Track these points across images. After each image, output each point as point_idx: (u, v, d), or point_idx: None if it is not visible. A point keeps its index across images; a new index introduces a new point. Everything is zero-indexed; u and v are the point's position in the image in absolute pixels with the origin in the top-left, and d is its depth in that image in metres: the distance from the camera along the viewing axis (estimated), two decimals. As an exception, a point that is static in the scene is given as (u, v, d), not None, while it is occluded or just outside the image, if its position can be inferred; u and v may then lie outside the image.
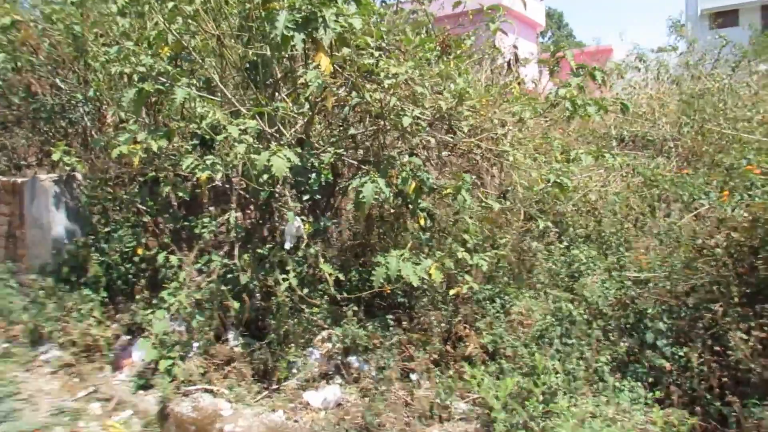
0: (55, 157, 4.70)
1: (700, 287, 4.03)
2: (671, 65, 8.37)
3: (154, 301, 4.63)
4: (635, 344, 3.84)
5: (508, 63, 6.79)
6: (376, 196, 3.73)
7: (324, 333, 4.27)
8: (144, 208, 5.00)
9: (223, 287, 4.27)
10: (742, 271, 3.93)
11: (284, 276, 3.90)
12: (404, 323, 4.39)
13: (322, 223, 4.17)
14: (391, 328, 4.22)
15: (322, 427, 3.57)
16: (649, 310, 3.94)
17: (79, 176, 5.05)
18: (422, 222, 4.30)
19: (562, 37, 38.21)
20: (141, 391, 4.10)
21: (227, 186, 4.79)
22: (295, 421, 3.68)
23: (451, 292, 4.10)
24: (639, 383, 3.44)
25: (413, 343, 4.26)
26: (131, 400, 4.06)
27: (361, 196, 3.72)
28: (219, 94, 4.35)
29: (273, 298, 4.34)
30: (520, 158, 4.55)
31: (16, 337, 4.88)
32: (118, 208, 5.02)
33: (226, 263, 4.28)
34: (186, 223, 4.86)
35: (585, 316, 3.84)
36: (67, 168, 4.82)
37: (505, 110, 4.68)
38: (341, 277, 4.03)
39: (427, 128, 4.02)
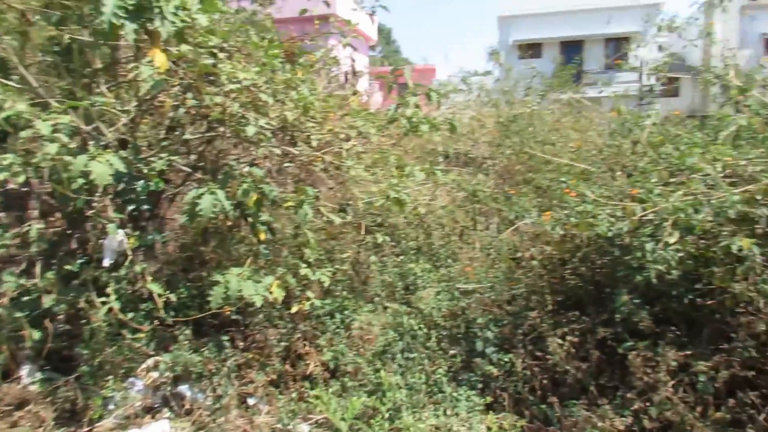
0: None
1: (520, 296, 4.43)
2: (491, 89, 9.19)
3: None
4: (467, 352, 4.07)
5: (346, 75, 6.86)
6: (215, 209, 3.43)
7: (149, 361, 3.81)
8: None
9: (17, 313, 3.59)
10: (554, 281, 4.39)
11: (103, 298, 3.38)
12: (240, 343, 4.12)
13: (149, 237, 3.73)
14: (226, 351, 3.93)
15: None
16: (478, 320, 4.20)
17: None
18: (262, 236, 4.08)
19: (391, 52, 40.15)
20: None
21: (24, 190, 4.06)
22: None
23: (293, 309, 3.95)
24: (473, 391, 3.64)
25: (251, 365, 4.01)
26: None
27: (197, 208, 3.40)
28: (20, 80, 3.66)
29: (84, 323, 3.77)
30: (360, 172, 4.57)
31: None
32: None
33: (22, 284, 3.60)
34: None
35: (423, 329, 3.97)
36: None
37: (348, 124, 4.67)
38: (172, 297, 3.63)
39: (272, 138, 3.83)
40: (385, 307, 4.48)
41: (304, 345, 4.27)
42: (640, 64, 12.53)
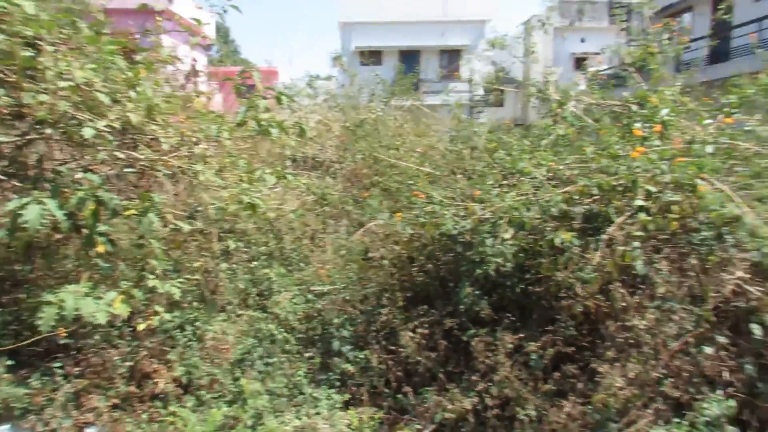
0: None
1: (372, 295, 4.61)
2: (336, 94, 9.37)
3: None
4: (323, 353, 4.13)
5: (187, 75, 6.54)
6: (44, 221, 3.07)
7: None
8: None
9: None
10: (404, 279, 4.65)
11: None
12: (74, 369, 3.73)
13: None
14: (57, 379, 3.53)
15: None
16: (334, 320, 4.29)
17: None
18: (101, 248, 3.74)
19: (230, 52, 38.80)
20: None
21: None
22: None
23: (140, 327, 3.67)
24: (332, 389, 3.72)
25: (89, 391, 3.66)
26: None
27: (21, 220, 3.01)
28: None
29: None
30: (209, 177, 4.40)
31: None
32: None
33: None
34: None
35: (282, 333, 3.95)
36: None
37: (195, 126, 4.47)
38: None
39: (114, 142, 3.53)
40: (239, 315, 4.37)
41: (151, 363, 4.00)
42: (471, 76, 13.67)
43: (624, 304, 2.96)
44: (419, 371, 3.84)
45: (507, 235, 3.28)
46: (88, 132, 3.20)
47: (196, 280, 4.23)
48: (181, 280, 4.00)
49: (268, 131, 4.69)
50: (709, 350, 2.89)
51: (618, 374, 2.87)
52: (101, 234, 3.72)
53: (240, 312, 4.34)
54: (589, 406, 2.94)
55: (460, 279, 3.88)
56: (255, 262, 5.06)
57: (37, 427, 3.26)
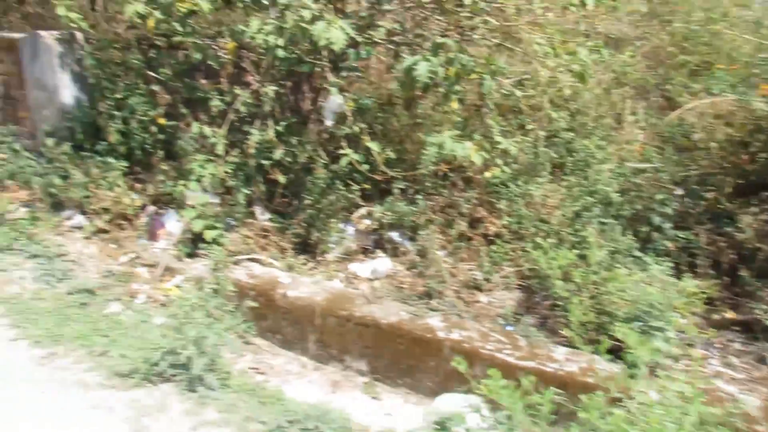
0: (60, 12, 4.19)
1: (695, 177, 4.56)
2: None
3: (174, 173, 4.57)
4: (643, 228, 4.35)
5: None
6: (431, 75, 3.76)
7: (362, 210, 4.44)
8: (154, 75, 4.69)
9: (262, 161, 4.27)
10: (734, 164, 4.46)
11: (343, 151, 3.91)
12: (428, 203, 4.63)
13: (363, 101, 4.17)
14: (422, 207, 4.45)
15: (386, 293, 3.87)
16: (657, 196, 4.40)
17: (79, 36, 4.59)
18: (454, 104, 4.40)
19: None
20: (187, 259, 4.16)
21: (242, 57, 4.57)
22: (355, 288, 3.96)
23: (487, 174, 4.34)
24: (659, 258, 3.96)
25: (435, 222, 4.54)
26: (178, 267, 4.13)
27: (414, 74, 3.73)
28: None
29: (307, 174, 4.41)
30: (542, 47, 4.65)
31: (33, 202, 4.67)
32: (123, 73, 4.66)
33: (262, 136, 4.21)
34: (202, 94, 4.65)
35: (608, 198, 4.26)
36: (73, 26, 4.34)
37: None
38: (391, 155, 4.13)
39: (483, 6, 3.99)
40: (562, 179, 4.77)
41: (482, 210, 4.74)
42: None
43: None
44: (758, 258, 3.84)
45: None
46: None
47: (527, 142, 4.69)
48: (516, 139, 4.51)
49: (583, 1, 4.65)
50: None
51: None
52: (456, 92, 4.33)
53: (564, 177, 4.71)
54: None
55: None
56: (571, 134, 5.29)
57: (417, 239, 4.24)
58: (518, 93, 4.51)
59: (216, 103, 4.47)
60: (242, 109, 4.22)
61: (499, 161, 4.30)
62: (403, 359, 3.63)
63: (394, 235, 4.33)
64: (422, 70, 3.64)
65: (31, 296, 3.79)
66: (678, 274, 3.93)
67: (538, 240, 3.87)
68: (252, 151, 4.16)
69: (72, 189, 4.32)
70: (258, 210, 4.63)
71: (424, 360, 3.57)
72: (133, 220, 4.46)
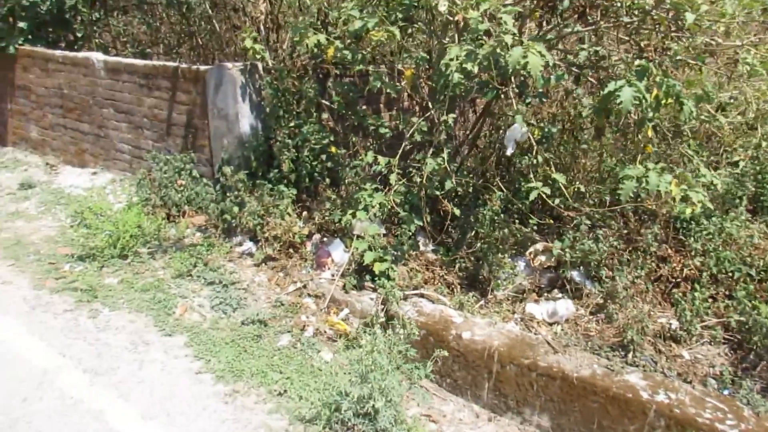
0: (248, 44, 4.39)
1: None
2: None
3: (341, 202, 4.54)
4: None
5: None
6: (636, 102, 3.37)
7: (537, 245, 4.12)
8: (327, 103, 4.75)
9: (435, 191, 4.11)
10: None
11: (531, 184, 3.63)
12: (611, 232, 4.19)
13: (548, 129, 3.87)
14: (607, 244, 4.03)
15: (572, 341, 3.51)
16: None
17: (259, 66, 4.77)
18: (650, 132, 3.95)
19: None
20: (354, 291, 4.08)
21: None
22: (535, 333, 3.63)
23: (687, 211, 3.83)
24: None
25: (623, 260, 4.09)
26: (344, 299, 4.06)
27: (618, 100, 3.37)
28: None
29: (478, 205, 4.18)
30: (757, 65, 4.07)
31: (206, 227, 4.90)
32: (297, 102, 4.76)
33: (436, 166, 4.04)
34: (371, 122, 4.62)
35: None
36: (257, 57, 4.53)
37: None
38: (580, 187, 3.79)
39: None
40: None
41: (671, 247, 4.20)
42: None
43: None
44: None
45: None
46: (689, 17, 3.28)
47: (733, 174, 4.12)
48: (723, 172, 3.96)
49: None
50: None
51: None
52: (650, 119, 3.89)
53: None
54: None
55: None
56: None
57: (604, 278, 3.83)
58: (722, 119, 3.98)
59: (384, 131, 4.41)
60: (417, 137, 4.11)
61: (701, 196, 3.78)
62: (595, 419, 3.22)
63: (575, 275, 3.94)
64: (626, 96, 3.27)
65: (209, 325, 3.89)
66: None
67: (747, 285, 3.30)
68: (424, 181, 4.01)
69: (246, 216, 4.43)
70: (422, 241, 4.47)
71: (621, 422, 3.14)
72: (300, 248, 4.49)
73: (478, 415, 3.58)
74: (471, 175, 4.30)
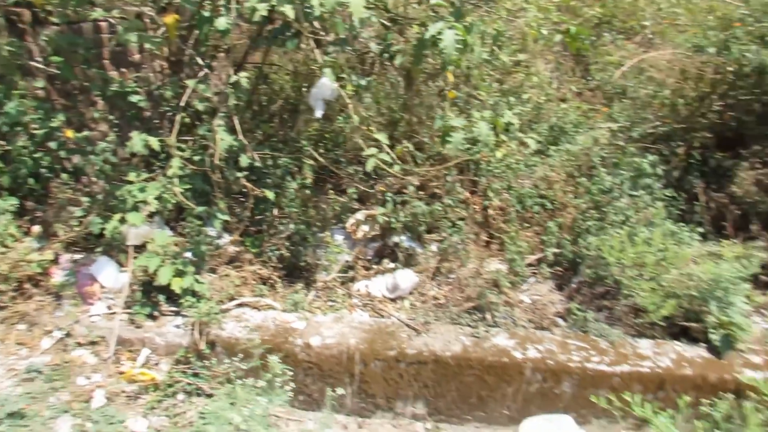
0: None
1: (664, 135, 4.53)
2: None
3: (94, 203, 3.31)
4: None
5: None
6: (460, 47, 3.06)
7: (358, 215, 3.62)
8: (40, 65, 3.25)
9: (236, 173, 3.23)
10: (699, 119, 4.49)
11: (367, 152, 3.02)
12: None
13: (363, 81, 3.30)
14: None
15: (428, 315, 3.16)
16: (648, 157, 4.22)
17: None
18: (451, 78, 3.76)
19: None
20: (149, 322, 3.00)
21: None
22: (389, 317, 3.18)
23: (498, 154, 3.78)
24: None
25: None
26: (138, 337, 2.96)
27: (442, 45, 3.01)
28: None
29: (289, 178, 3.46)
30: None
31: None
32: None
33: (232, 143, 3.13)
34: (117, 90, 3.34)
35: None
36: None
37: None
38: (410, 147, 3.36)
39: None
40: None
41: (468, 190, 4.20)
42: None
43: None
44: (759, 212, 3.87)
45: None
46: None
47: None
48: (516, 111, 4.01)
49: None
50: None
51: None
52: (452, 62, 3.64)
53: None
54: None
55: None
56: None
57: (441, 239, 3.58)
58: (504, 58, 3.99)
59: (138, 99, 3.26)
60: (199, 107, 3.09)
61: (505, 138, 3.77)
62: (473, 391, 3.02)
63: (405, 240, 3.59)
64: (449, 39, 2.91)
65: None
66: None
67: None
68: (216, 160, 3.06)
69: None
70: (218, 234, 3.55)
71: (499, 388, 3.01)
72: (43, 280, 3.09)
73: (346, 426, 3.05)
74: (277, 144, 3.52)
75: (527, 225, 3.92)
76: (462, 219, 3.62)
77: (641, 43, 5.93)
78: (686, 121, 4.54)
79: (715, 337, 3.04)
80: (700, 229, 3.68)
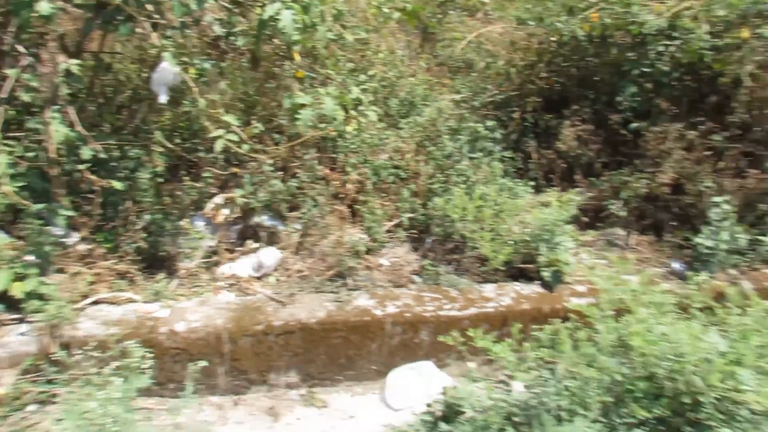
0: None
1: (504, 101, 5.00)
2: None
3: None
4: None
5: None
6: (298, 26, 3.16)
7: (217, 199, 3.63)
8: None
9: (81, 166, 3.09)
10: (533, 85, 5.00)
11: (214, 133, 3.01)
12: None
13: (208, 64, 3.28)
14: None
15: (293, 287, 3.28)
16: (487, 123, 4.66)
17: None
18: (297, 57, 3.85)
19: None
20: (-8, 332, 2.82)
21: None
22: (254, 294, 3.26)
23: (349, 128, 3.95)
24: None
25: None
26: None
27: (281, 26, 3.10)
28: None
29: (141, 169, 3.38)
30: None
31: None
32: None
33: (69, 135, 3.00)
34: None
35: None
36: None
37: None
38: (259, 126, 3.40)
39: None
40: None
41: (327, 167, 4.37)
42: None
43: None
44: (581, 163, 4.43)
45: (702, 31, 3.66)
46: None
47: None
48: (363, 87, 4.20)
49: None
50: None
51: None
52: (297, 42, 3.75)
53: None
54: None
55: (620, 79, 4.31)
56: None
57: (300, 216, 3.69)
58: (348, 36, 4.16)
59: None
60: (26, 98, 2.90)
61: (354, 113, 3.95)
62: (341, 352, 3.21)
63: (266, 219, 3.67)
64: (287, 19, 3.00)
65: None
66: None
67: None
68: (52, 154, 2.92)
69: None
70: (65, 232, 3.38)
71: (365, 345, 3.22)
72: None
73: (221, 406, 3.11)
74: (127, 136, 3.40)
75: (384, 195, 4.16)
76: (321, 195, 3.76)
77: (482, 19, 6.43)
78: (519, 89, 5.03)
79: (546, 274, 3.48)
80: (533, 183, 4.16)
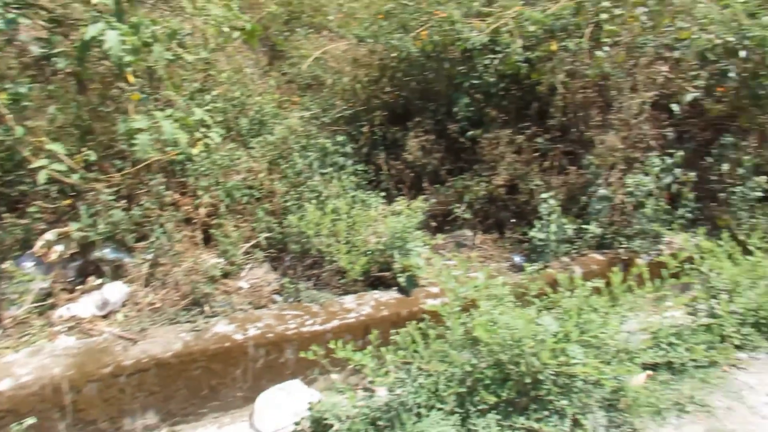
0: None
1: (351, 116, 5.16)
2: None
3: None
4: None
5: None
6: (126, 47, 3.01)
7: (48, 234, 3.30)
8: None
9: None
10: (377, 99, 5.22)
11: (35, 164, 2.73)
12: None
13: (23, 89, 2.98)
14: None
15: (144, 322, 3.07)
16: (338, 138, 4.77)
17: None
18: (131, 79, 3.66)
19: None
20: None
21: None
22: (99, 334, 3.00)
23: (194, 151, 3.81)
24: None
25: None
26: None
27: (107, 47, 2.93)
28: None
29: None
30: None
31: None
32: None
33: None
34: None
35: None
36: None
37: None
38: (91, 154, 3.14)
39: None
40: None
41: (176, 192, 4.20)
42: None
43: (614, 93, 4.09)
44: (427, 172, 4.69)
45: (517, 45, 4.07)
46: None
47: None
48: (207, 108, 4.09)
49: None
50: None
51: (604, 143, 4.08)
52: (128, 63, 3.59)
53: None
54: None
55: (454, 91, 4.65)
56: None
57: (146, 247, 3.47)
58: (188, 56, 4.03)
59: None
60: None
61: (199, 134, 3.83)
62: (203, 384, 3.07)
63: (108, 252, 3.41)
64: (113, 40, 2.84)
65: None
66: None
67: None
68: None
69: None
70: None
71: (228, 373, 3.12)
72: None
73: (67, 464, 2.81)
74: None
75: (239, 216, 4.07)
76: (170, 221, 3.58)
77: (329, 36, 6.57)
78: (366, 103, 5.21)
79: (402, 279, 3.63)
80: (384, 194, 4.33)
